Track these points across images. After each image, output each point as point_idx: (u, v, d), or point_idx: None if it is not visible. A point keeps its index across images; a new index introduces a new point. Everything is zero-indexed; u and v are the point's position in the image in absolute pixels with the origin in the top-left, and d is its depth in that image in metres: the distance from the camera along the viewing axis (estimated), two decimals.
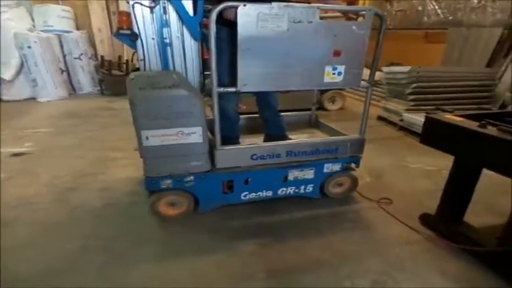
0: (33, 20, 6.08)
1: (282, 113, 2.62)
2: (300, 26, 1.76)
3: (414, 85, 3.94)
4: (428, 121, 1.87)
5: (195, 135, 1.90)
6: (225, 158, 2.04)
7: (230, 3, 1.65)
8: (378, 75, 3.73)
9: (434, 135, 1.86)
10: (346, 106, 5.37)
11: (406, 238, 2.01)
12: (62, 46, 6.19)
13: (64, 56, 6.28)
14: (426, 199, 2.36)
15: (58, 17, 6.11)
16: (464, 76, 4.16)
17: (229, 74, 2.07)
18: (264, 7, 1.67)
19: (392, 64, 5.10)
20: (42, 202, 2.38)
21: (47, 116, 4.83)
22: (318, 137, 2.72)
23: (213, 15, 1.65)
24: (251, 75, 1.82)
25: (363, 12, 1.88)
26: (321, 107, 5.09)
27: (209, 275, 1.71)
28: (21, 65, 5.60)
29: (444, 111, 1.92)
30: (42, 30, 5.90)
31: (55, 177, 2.76)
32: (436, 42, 5.66)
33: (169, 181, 2.00)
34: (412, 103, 4.00)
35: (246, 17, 1.68)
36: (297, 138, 2.51)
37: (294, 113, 3.04)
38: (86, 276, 1.69)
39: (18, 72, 5.62)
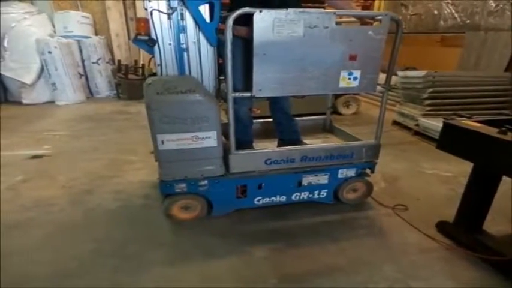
0: (53, 26, 6.29)
1: (296, 118, 2.61)
2: (315, 31, 1.76)
3: (430, 90, 3.88)
4: (447, 127, 1.84)
5: (210, 139, 1.92)
6: (239, 162, 2.05)
7: (247, 9, 1.66)
8: (393, 79, 3.68)
9: (453, 141, 1.83)
10: (360, 110, 5.31)
11: (422, 246, 1.97)
12: (81, 51, 6.37)
13: (83, 61, 6.46)
14: (443, 206, 2.31)
15: (78, 23, 6.29)
16: (482, 81, 4.07)
17: (243, 79, 2.08)
18: (279, 13, 1.68)
19: (406, 68, 5.03)
20: (58, 204, 2.44)
21: (65, 119, 4.96)
22: (333, 142, 2.70)
23: (230, 22, 1.66)
24: (266, 81, 1.83)
25: (379, 17, 1.87)
26: (335, 112, 5.04)
27: (220, 279, 1.72)
28: (42, 70, 5.79)
29: (462, 116, 1.88)
30: (62, 36, 6.09)
31: (71, 180, 2.83)
32: (452, 46, 5.56)
33: (183, 185, 2.02)
34: (428, 108, 3.93)
35: (262, 23, 1.69)
36: (311, 143, 2.50)
37: (308, 117, 3.03)
38: (97, 279, 1.71)
39: (38, 77, 5.81)
